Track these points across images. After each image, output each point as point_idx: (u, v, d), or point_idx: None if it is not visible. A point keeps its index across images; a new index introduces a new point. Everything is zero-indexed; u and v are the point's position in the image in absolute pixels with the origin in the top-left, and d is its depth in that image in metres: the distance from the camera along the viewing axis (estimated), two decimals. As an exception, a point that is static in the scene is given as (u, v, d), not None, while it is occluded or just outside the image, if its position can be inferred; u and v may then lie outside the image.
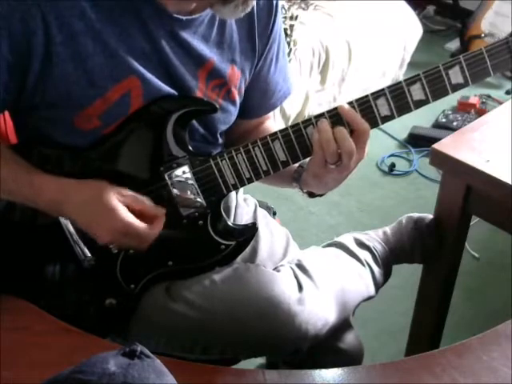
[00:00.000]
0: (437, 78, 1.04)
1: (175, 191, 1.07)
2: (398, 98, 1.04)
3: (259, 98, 1.22)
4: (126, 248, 1.07)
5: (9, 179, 1.01)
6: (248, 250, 1.19)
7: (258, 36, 1.14)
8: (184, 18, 1.04)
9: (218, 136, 1.18)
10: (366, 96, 1.04)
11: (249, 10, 1.02)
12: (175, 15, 1.02)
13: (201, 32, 1.07)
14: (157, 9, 1.01)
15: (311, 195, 1.17)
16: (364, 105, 1.04)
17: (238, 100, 1.16)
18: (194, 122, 1.11)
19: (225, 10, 1.01)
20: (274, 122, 1.32)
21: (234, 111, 1.18)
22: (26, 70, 0.97)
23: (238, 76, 1.13)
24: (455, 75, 1.05)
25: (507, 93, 3.22)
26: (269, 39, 1.16)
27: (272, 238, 1.29)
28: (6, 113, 1.11)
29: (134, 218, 1.00)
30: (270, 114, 1.29)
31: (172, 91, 1.06)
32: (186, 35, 1.05)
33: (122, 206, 1.00)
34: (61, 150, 1.06)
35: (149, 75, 1.03)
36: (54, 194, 1.01)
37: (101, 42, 0.98)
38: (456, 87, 1.05)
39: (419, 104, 1.05)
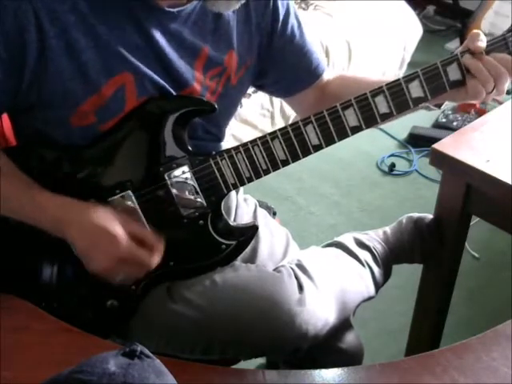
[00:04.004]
0: (435, 75, 1.04)
1: (175, 191, 1.07)
2: (397, 96, 1.05)
3: (297, 67, 1.22)
4: (118, 278, 1.04)
5: (11, 197, 1.01)
6: (248, 250, 1.19)
7: (255, 16, 1.13)
8: (174, 10, 1.03)
9: (222, 128, 1.18)
10: (365, 94, 1.05)
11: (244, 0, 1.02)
12: (166, 8, 1.02)
13: (192, 21, 1.06)
14: (147, 3, 1.01)
15: None
16: (363, 102, 1.05)
17: (238, 86, 1.16)
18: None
19: (219, 2, 1.01)
20: (331, 72, 1.29)
21: (236, 97, 1.18)
22: (21, 68, 0.97)
23: (235, 61, 1.13)
24: (453, 72, 1.05)
25: (507, 93, 3.21)
26: (274, 15, 1.14)
27: (272, 238, 1.29)
28: (5, 114, 1.10)
29: (136, 245, 1.00)
30: (321, 73, 1.25)
31: (167, 86, 1.05)
32: (177, 26, 1.05)
33: (124, 233, 0.99)
34: (60, 151, 1.06)
35: (142, 69, 1.02)
36: (56, 212, 1.00)
37: (93, 36, 0.98)
38: (454, 84, 1.06)
39: (417, 101, 1.06)
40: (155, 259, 1.02)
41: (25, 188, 1.02)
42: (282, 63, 1.20)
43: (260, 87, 1.28)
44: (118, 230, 0.98)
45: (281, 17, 1.15)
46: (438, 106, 1.14)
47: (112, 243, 0.98)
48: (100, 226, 0.98)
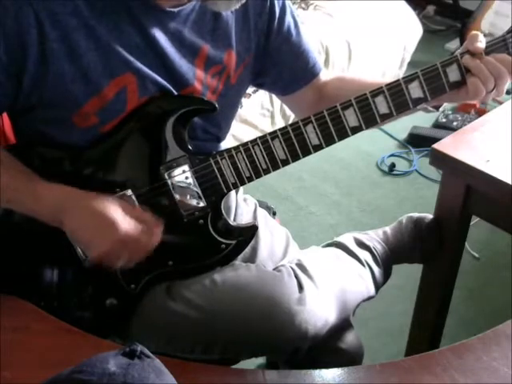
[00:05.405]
0: (435, 76, 1.04)
1: (175, 190, 1.07)
2: (397, 96, 1.05)
3: (294, 66, 1.22)
4: (119, 262, 1.02)
5: (9, 188, 1.01)
6: (248, 249, 1.19)
7: (253, 15, 1.13)
8: (174, 9, 1.03)
9: (222, 129, 1.18)
10: (365, 94, 1.05)
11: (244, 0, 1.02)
12: (168, 8, 1.02)
13: (192, 20, 1.07)
14: (147, 3, 1.01)
15: None
16: (363, 102, 1.05)
17: (238, 85, 1.16)
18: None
19: (220, 2, 1.01)
20: (327, 72, 1.29)
21: (235, 97, 1.18)
22: (21, 71, 0.97)
23: (234, 60, 1.13)
24: (453, 73, 1.05)
25: (507, 93, 3.21)
26: (271, 14, 1.14)
27: (272, 237, 1.29)
28: (5, 113, 1.10)
29: (134, 228, 1.00)
30: (319, 71, 1.26)
31: (168, 85, 1.06)
32: (177, 26, 1.05)
33: (122, 216, 0.99)
34: (60, 151, 1.06)
35: (144, 70, 1.03)
36: (55, 201, 1.00)
37: (94, 38, 0.98)
38: (454, 85, 1.06)
39: (417, 102, 1.06)
40: (154, 239, 1.02)
41: (23, 178, 1.02)
42: (279, 62, 1.20)
43: (259, 85, 1.28)
44: (116, 214, 0.99)
45: (277, 15, 1.16)
46: (437, 107, 1.15)
47: (111, 226, 0.98)
48: (98, 211, 0.99)
